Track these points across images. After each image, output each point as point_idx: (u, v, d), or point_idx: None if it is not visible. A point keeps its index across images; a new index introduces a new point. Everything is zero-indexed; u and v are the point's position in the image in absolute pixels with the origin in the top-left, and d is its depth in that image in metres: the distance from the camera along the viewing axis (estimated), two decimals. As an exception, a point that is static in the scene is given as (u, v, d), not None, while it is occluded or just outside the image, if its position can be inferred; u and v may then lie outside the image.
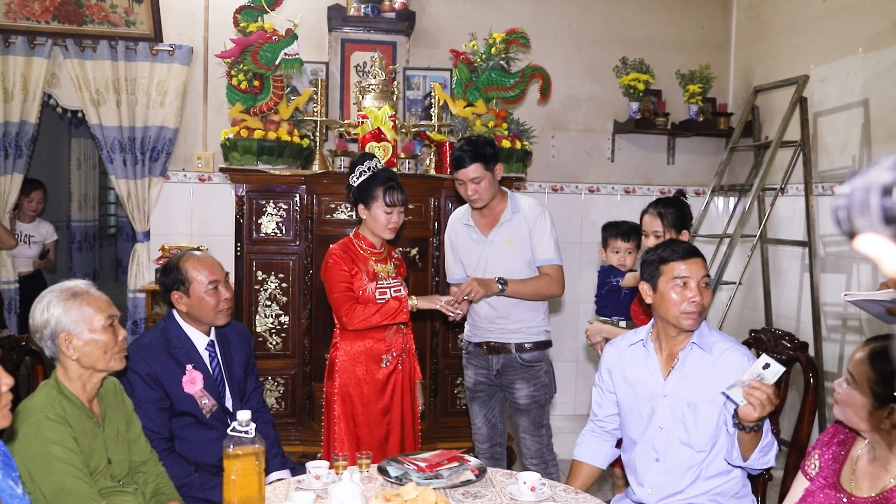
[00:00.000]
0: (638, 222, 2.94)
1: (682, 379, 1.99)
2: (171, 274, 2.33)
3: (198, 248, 2.50)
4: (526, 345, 2.83)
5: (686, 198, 2.85)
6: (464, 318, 2.86)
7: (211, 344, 2.38)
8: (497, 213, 2.84)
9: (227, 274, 2.41)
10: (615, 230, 2.94)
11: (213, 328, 2.39)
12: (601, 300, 2.92)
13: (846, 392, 1.58)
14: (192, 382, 2.26)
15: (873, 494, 1.52)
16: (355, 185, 2.69)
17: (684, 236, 2.71)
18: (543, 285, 2.78)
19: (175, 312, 2.36)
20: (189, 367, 2.27)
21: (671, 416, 2.00)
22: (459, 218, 2.96)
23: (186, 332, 2.34)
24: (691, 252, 2.01)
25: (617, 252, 2.92)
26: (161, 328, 2.35)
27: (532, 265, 2.81)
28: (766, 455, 1.89)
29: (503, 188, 2.91)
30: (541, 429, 2.88)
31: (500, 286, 2.72)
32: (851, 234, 0.58)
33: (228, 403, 2.38)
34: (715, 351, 1.99)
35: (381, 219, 2.64)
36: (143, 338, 2.36)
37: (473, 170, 2.71)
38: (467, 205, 2.88)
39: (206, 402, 2.28)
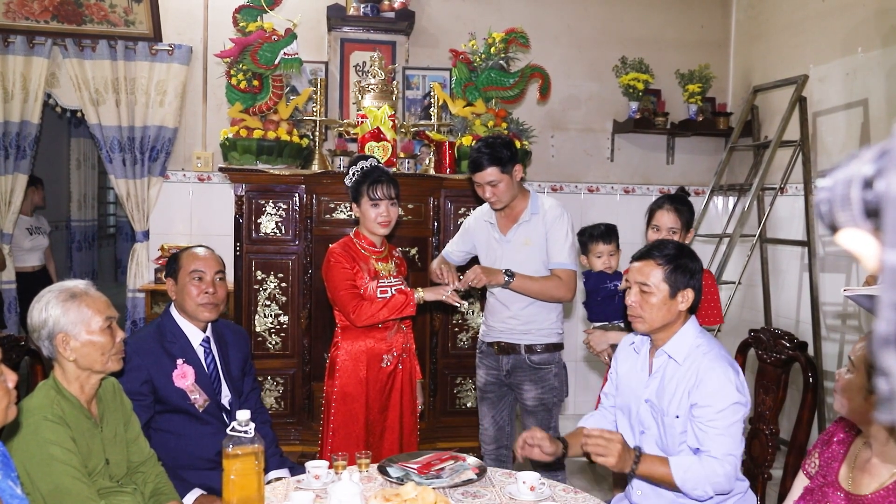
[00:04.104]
0: (616, 225, 2.90)
1: (660, 387, 1.95)
2: (171, 262, 2.43)
3: (200, 246, 2.52)
4: (536, 347, 2.82)
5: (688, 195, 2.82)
6: (465, 312, 2.83)
7: (206, 340, 2.40)
8: (517, 213, 2.81)
9: (219, 272, 2.41)
10: (593, 233, 2.85)
11: (209, 325, 2.41)
12: (595, 307, 2.84)
13: (845, 379, 1.59)
14: (183, 376, 2.28)
15: (871, 493, 1.52)
16: (349, 185, 2.71)
17: (691, 235, 2.69)
18: (552, 286, 2.75)
19: (172, 307, 2.40)
20: (180, 361, 2.29)
21: (651, 419, 1.97)
22: (483, 214, 2.94)
23: (181, 326, 2.37)
24: (641, 255, 1.99)
25: (600, 256, 2.83)
26: (157, 322, 2.39)
27: (548, 267, 2.79)
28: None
29: (525, 188, 2.88)
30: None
31: (506, 278, 2.70)
32: (833, 229, 0.56)
33: (225, 400, 2.39)
34: (688, 364, 1.91)
35: (370, 214, 2.64)
36: (141, 332, 2.44)
37: (490, 173, 2.67)
38: None
39: (198, 398, 2.29)
